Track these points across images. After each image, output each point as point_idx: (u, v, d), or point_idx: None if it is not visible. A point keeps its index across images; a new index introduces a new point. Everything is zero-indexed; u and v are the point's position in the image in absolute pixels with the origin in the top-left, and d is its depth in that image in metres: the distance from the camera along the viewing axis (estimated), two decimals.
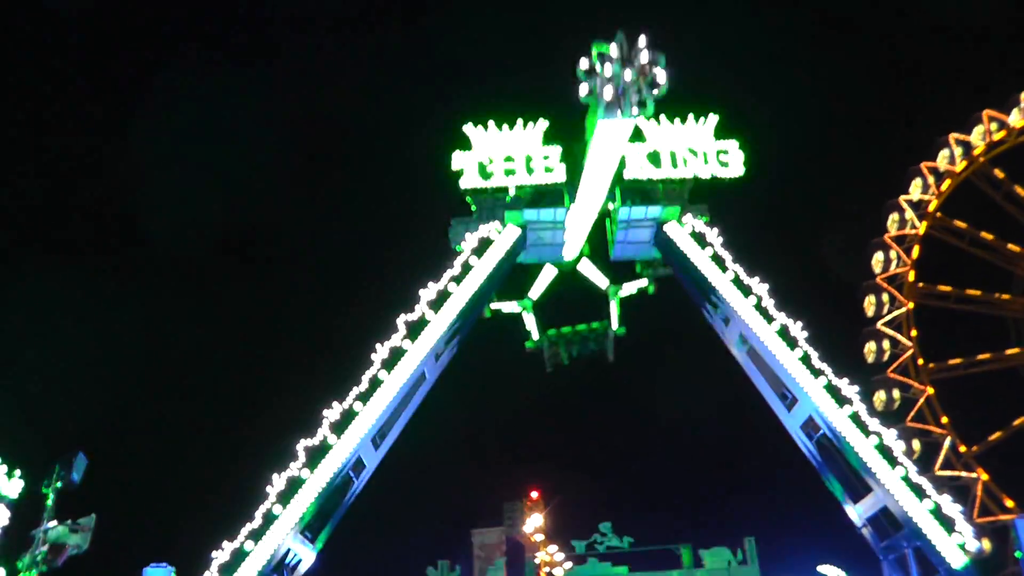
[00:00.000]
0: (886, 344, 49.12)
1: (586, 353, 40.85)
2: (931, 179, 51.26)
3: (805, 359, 33.03)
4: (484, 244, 36.09)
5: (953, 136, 51.21)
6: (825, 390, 32.52)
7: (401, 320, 34.26)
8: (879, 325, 49.49)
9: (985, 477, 45.59)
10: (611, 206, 36.85)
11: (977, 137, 50.74)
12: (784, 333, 33.61)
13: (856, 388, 32.72)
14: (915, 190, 51.55)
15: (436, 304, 34.68)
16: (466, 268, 35.59)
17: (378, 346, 33.78)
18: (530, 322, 40.43)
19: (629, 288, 40.30)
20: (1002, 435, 47.79)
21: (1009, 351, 49.67)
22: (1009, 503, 44.68)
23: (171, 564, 29.87)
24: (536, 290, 40.18)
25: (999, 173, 51.24)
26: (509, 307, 39.64)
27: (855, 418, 31.92)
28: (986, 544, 30.68)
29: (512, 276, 39.24)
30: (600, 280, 40.47)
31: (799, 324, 33.82)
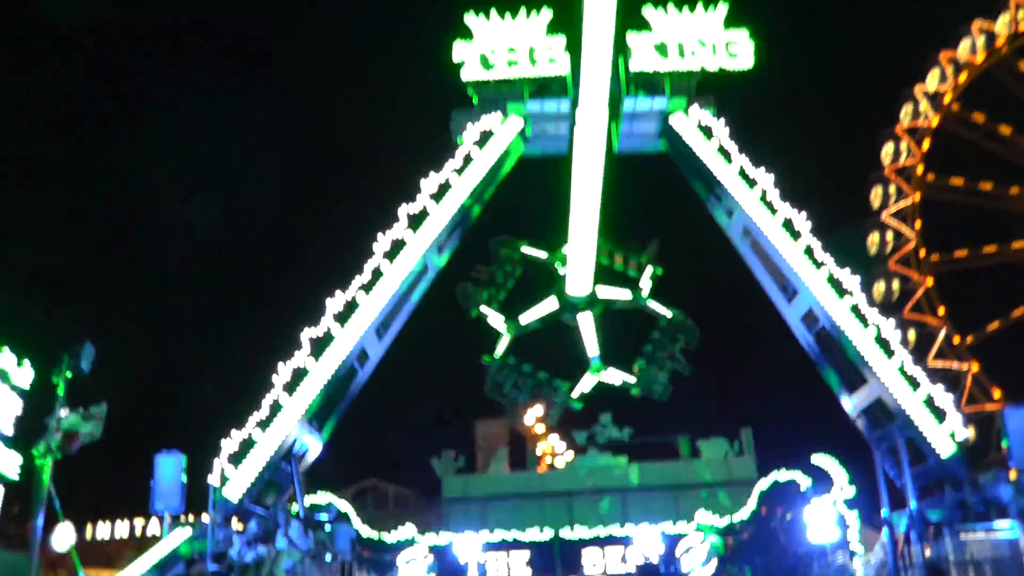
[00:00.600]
0: (890, 235, 49.01)
1: (678, 353, 38.39)
2: (949, 69, 50.00)
3: (808, 251, 32.96)
4: (486, 136, 35.56)
5: (977, 24, 49.60)
6: (826, 282, 32.55)
7: (402, 211, 34.16)
8: (884, 216, 49.23)
9: (976, 368, 46.07)
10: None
11: (1003, 26, 49.11)
12: (788, 225, 33.45)
13: (857, 279, 32.75)
14: (932, 80, 50.37)
15: (438, 196, 34.47)
16: (467, 160, 35.18)
17: (380, 236, 33.77)
18: (503, 343, 38.90)
19: (614, 375, 38.74)
20: (997, 327, 48.12)
21: (1013, 245, 49.53)
22: (997, 393, 45.29)
23: (181, 452, 30.57)
24: (528, 316, 38.63)
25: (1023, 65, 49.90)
26: (496, 320, 38.30)
27: (855, 310, 32.05)
28: (971, 432, 31.12)
29: (514, 298, 38.77)
30: (591, 346, 38.63)
31: (803, 215, 33.64)
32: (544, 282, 39.15)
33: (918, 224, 48.97)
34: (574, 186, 33.38)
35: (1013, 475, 28.94)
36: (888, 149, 51.05)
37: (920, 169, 50.02)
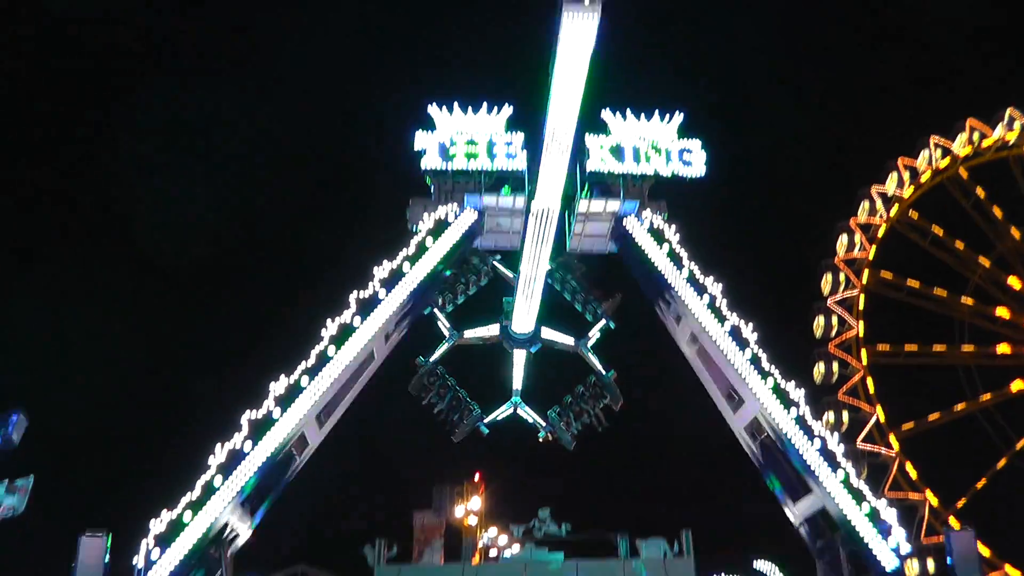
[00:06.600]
0: (835, 320, 49.66)
1: (597, 409, 38.77)
2: (906, 175, 51.46)
3: (754, 360, 33.19)
4: (441, 225, 35.50)
5: (934, 139, 51.45)
6: (772, 392, 32.78)
7: (352, 297, 33.81)
8: (830, 302, 50.10)
9: (897, 448, 46.55)
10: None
11: (959, 145, 51.24)
12: (735, 333, 33.67)
13: (802, 392, 33.04)
14: (891, 184, 51.67)
15: (389, 283, 34.24)
16: (421, 248, 35.06)
17: (328, 322, 33.38)
18: (530, 413, 40.05)
19: (529, 413, 40.18)
20: (938, 418, 49.04)
21: (963, 348, 50.51)
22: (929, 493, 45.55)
23: (109, 531, 29.54)
24: (517, 379, 39.87)
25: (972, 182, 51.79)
26: (443, 323, 38.28)
27: (800, 421, 32.30)
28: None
29: (487, 386, 39.39)
30: (517, 379, 40.13)
31: (751, 325, 33.89)
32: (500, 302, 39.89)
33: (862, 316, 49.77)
34: (522, 274, 34.73)
35: None
36: (842, 241, 51.99)
37: (869, 265, 50.96)
